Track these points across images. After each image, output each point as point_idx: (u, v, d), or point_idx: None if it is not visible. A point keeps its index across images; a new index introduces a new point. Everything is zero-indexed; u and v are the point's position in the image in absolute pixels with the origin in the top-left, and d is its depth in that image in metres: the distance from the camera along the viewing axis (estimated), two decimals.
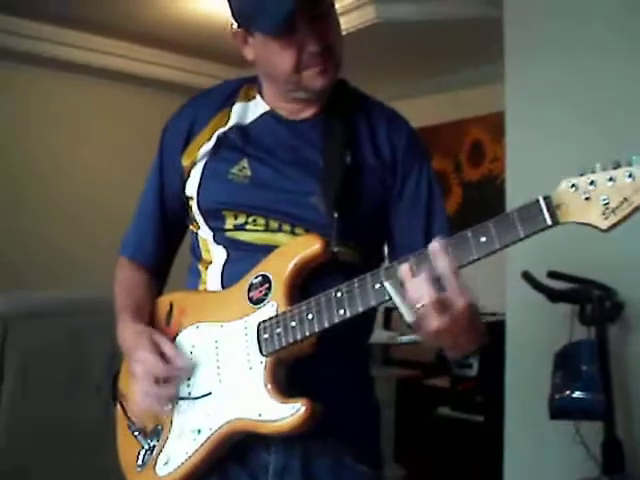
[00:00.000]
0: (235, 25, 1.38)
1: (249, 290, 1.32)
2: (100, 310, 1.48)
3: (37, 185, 4.84)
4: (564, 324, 2.63)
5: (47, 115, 4.96)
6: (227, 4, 1.37)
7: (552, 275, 2.62)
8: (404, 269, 1.12)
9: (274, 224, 1.36)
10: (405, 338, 3.85)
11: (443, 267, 1.09)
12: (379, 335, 3.91)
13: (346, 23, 4.05)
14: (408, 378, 4.27)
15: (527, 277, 2.69)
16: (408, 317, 1.10)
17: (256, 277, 1.32)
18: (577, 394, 2.44)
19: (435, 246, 1.10)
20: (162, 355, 1.33)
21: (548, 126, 3.04)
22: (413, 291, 1.10)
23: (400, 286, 1.12)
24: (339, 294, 1.20)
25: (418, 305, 1.09)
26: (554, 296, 2.67)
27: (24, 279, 4.30)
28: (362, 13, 4.18)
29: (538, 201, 1.05)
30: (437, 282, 1.09)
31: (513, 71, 3.21)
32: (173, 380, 1.33)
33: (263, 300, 1.30)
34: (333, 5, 1.39)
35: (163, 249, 1.56)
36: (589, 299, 2.59)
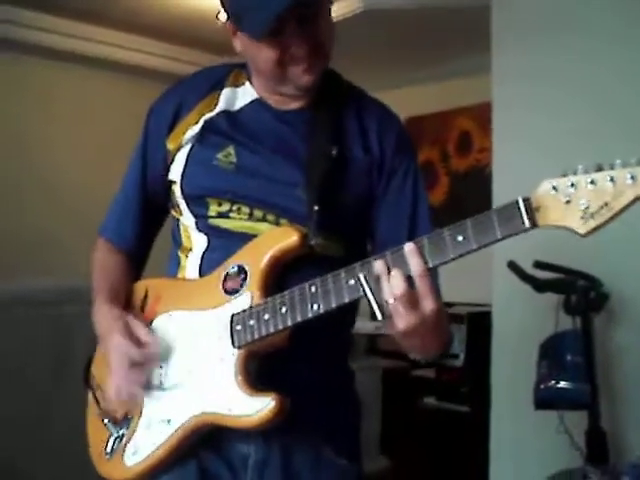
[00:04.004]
0: (226, 17, 1.36)
1: (225, 280, 1.30)
2: (87, 299, 1.47)
3: (33, 176, 4.81)
4: (550, 314, 2.64)
5: (42, 105, 4.93)
6: None
7: (538, 265, 2.62)
8: (380, 264, 1.12)
9: (258, 213, 1.35)
10: None
11: (414, 268, 1.09)
12: (365, 326, 3.92)
13: (333, 12, 4.01)
14: (394, 369, 4.27)
15: (513, 267, 2.69)
16: (378, 313, 1.11)
17: (232, 267, 1.30)
18: (562, 384, 2.45)
19: (409, 247, 1.10)
20: (137, 340, 1.32)
21: (534, 116, 3.04)
22: (386, 286, 1.10)
23: (374, 282, 1.12)
24: (313, 289, 1.19)
25: (390, 301, 1.09)
26: (540, 286, 2.68)
27: (19, 270, 4.27)
28: (348, 2, 4.16)
29: (517, 203, 1.02)
30: (410, 281, 1.10)
31: (500, 61, 3.21)
32: (147, 365, 1.32)
33: (238, 291, 1.28)
34: (329, 2, 1.37)
35: (143, 233, 1.54)
36: (574, 289, 2.59)
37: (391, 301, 1.09)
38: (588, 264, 2.62)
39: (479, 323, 3.91)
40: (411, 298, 1.09)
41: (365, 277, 1.12)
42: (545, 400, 2.51)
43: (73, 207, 4.78)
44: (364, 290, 1.12)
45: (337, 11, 4.08)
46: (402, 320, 1.10)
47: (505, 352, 3.12)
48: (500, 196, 3.08)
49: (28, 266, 4.34)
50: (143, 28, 4.96)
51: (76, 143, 5.04)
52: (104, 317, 1.39)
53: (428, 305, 1.10)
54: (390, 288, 1.09)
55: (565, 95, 2.93)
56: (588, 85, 2.85)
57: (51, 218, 4.74)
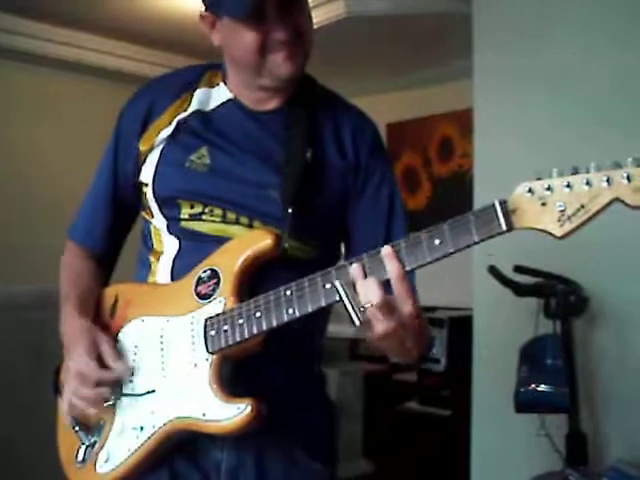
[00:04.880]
0: (204, 8, 1.34)
1: (197, 284, 1.28)
2: None
3: (16, 177, 4.80)
4: (530, 318, 2.66)
5: (27, 109, 4.91)
6: None
7: (518, 270, 2.64)
8: (356, 268, 1.10)
9: (231, 215, 1.32)
10: None
11: (392, 271, 1.08)
12: (346, 330, 3.92)
13: (316, 17, 4.00)
14: (376, 373, 4.28)
15: (493, 272, 2.71)
16: (355, 319, 1.08)
17: (204, 271, 1.28)
18: (542, 387, 2.47)
19: (387, 250, 1.09)
20: (100, 361, 1.28)
21: (516, 122, 3.06)
22: (362, 292, 1.08)
23: (351, 287, 1.10)
24: (288, 293, 1.17)
25: (367, 306, 1.07)
26: (520, 291, 2.69)
27: (7, 274, 4.25)
28: (332, 7, 4.17)
29: (494, 205, 1.02)
30: (387, 285, 1.08)
31: (481, 67, 3.23)
32: (106, 384, 1.28)
33: (211, 295, 1.26)
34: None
35: (113, 236, 1.51)
36: (554, 293, 2.61)
37: (368, 307, 1.07)
38: (568, 268, 2.64)
39: (460, 327, 3.92)
40: (388, 303, 1.07)
41: (341, 283, 1.10)
42: (525, 403, 2.52)
43: (55, 212, 4.75)
44: (340, 296, 1.10)
45: (320, 17, 4.09)
46: (380, 325, 1.08)
47: (486, 356, 3.14)
48: (482, 200, 3.09)
49: (7, 270, 4.31)
50: (124, 33, 4.94)
51: (59, 148, 5.02)
52: (71, 327, 1.35)
53: (406, 309, 1.09)
54: (366, 294, 1.08)
55: (546, 97, 2.96)
56: (570, 87, 2.88)
57: (32, 223, 4.72)
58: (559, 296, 2.59)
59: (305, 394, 1.39)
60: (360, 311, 1.08)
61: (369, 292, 1.07)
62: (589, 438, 2.52)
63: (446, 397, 4.17)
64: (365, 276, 1.09)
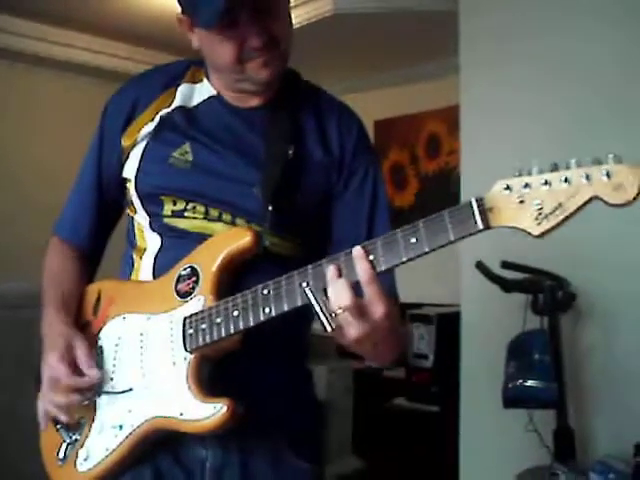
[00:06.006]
0: (180, 11, 1.33)
1: (177, 282, 1.27)
2: None
3: (6, 177, 4.77)
4: (517, 314, 2.66)
5: (18, 108, 4.90)
6: None
7: (505, 265, 2.64)
8: (331, 270, 1.08)
9: (214, 212, 1.32)
10: None
11: (361, 273, 1.06)
12: None
13: (302, 14, 4.03)
14: (365, 370, 4.28)
15: (481, 267, 2.71)
16: (327, 325, 1.05)
17: (184, 269, 1.27)
18: (530, 383, 2.47)
19: (357, 251, 1.07)
20: (75, 366, 1.27)
21: (502, 119, 3.07)
22: (333, 295, 1.06)
23: (322, 291, 1.08)
24: (265, 291, 1.16)
25: (338, 311, 1.05)
26: (507, 286, 2.70)
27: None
28: (318, 4, 4.17)
29: (470, 203, 1.00)
30: (359, 287, 1.06)
31: (468, 64, 3.24)
32: (78, 390, 1.27)
33: (190, 294, 1.25)
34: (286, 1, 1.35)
35: (98, 232, 1.50)
36: (542, 289, 2.62)
37: (339, 311, 1.05)
38: (555, 264, 2.65)
39: (448, 324, 3.93)
40: (359, 306, 1.05)
41: (310, 289, 1.08)
42: (513, 399, 2.53)
43: (47, 211, 4.74)
44: (310, 301, 1.08)
45: (307, 14, 4.09)
46: (352, 329, 1.07)
47: (474, 352, 3.15)
48: (469, 197, 3.10)
49: (2, 270, 4.29)
50: (115, 32, 4.93)
51: (57, 149, 4.99)
52: (50, 330, 1.35)
53: (378, 312, 1.06)
54: (337, 298, 1.05)
55: (533, 97, 2.96)
56: (557, 87, 2.89)
57: (25, 222, 4.68)
58: (546, 292, 2.60)
59: (292, 392, 1.39)
60: (331, 316, 1.05)
61: (339, 295, 1.05)
62: (577, 433, 2.53)
63: (435, 393, 4.18)
64: (340, 276, 1.07)
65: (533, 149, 2.82)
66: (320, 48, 4.31)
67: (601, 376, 2.72)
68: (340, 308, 1.05)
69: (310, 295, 1.08)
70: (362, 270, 1.06)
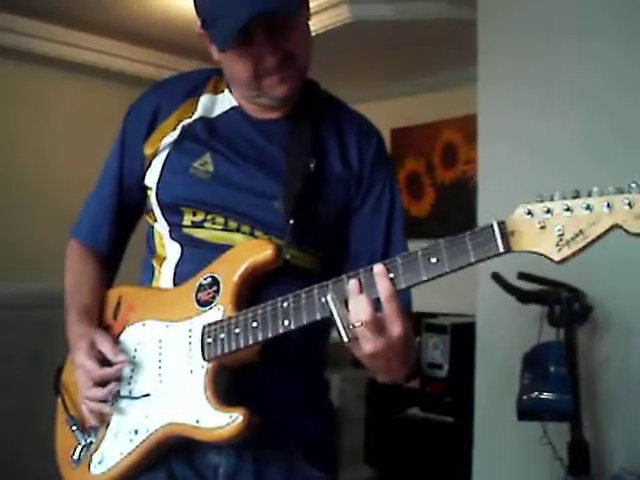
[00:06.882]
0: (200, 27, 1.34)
1: (198, 291, 1.28)
2: None
3: (18, 176, 4.80)
4: (533, 325, 2.65)
5: (29, 108, 4.91)
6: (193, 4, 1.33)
7: (522, 277, 2.63)
8: (353, 284, 1.10)
9: (233, 224, 1.33)
10: None
11: (382, 291, 1.08)
12: None
13: (319, 22, 4.04)
14: None
15: (497, 278, 2.70)
16: (344, 336, 1.08)
17: (205, 278, 1.28)
18: (545, 395, 2.46)
19: (378, 268, 1.09)
20: (101, 359, 1.30)
21: (520, 129, 3.06)
22: (353, 309, 1.08)
23: (343, 303, 1.10)
24: (285, 304, 1.17)
25: (357, 324, 1.08)
26: (524, 297, 2.69)
27: (7, 273, 4.26)
28: (336, 12, 4.18)
29: (492, 226, 1.01)
30: (378, 303, 1.08)
31: (486, 73, 3.23)
32: (111, 379, 1.29)
33: (210, 303, 1.26)
34: (306, 9, 1.35)
35: (118, 236, 1.52)
36: (558, 301, 2.61)
37: (357, 325, 1.08)
38: (572, 276, 2.63)
39: (463, 334, 3.91)
40: (378, 322, 1.08)
41: (333, 298, 1.10)
42: (528, 411, 2.51)
43: (65, 214, 4.77)
44: (331, 311, 1.10)
45: (324, 21, 4.10)
46: (369, 344, 1.09)
47: (489, 363, 3.13)
48: (485, 207, 3.10)
49: (10, 270, 4.32)
50: (129, 35, 4.96)
51: (68, 150, 5.04)
52: (72, 334, 1.37)
53: (395, 330, 1.09)
54: (357, 312, 1.08)
55: (551, 103, 2.95)
56: (575, 92, 2.87)
57: (43, 225, 4.71)
58: (563, 304, 2.59)
59: (309, 402, 1.39)
60: (349, 328, 1.08)
61: (360, 310, 1.08)
62: (591, 446, 2.51)
63: (448, 404, 4.15)
64: (361, 292, 1.09)
65: (551, 159, 2.81)
66: (337, 56, 4.32)
67: (616, 389, 2.70)
68: (359, 322, 1.07)
69: (331, 305, 1.10)
70: (383, 288, 1.08)
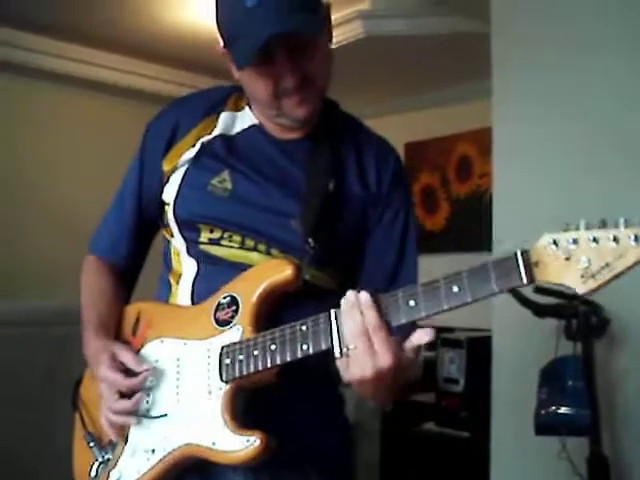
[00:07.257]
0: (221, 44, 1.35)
1: (216, 310, 1.28)
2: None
3: (27, 193, 4.81)
4: (550, 339, 2.63)
5: (38, 124, 4.94)
6: (215, 22, 1.34)
7: (539, 290, 2.61)
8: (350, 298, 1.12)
9: (250, 242, 1.33)
10: None
11: (369, 321, 1.08)
12: None
13: (333, 37, 4.04)
14: None
15: (513, 292, 2.68)
16: (337, 351, 1.10)
17: (224, 297, 1.28)
18: (563, 410, 2.43)
19: (364, 297, 1.09)
20: (124, 370, 1.30)
21: (535, 143, 3.05)
22: (349, 323, 1.09)
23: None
24: (304, 328, 1.16)
25: (350, 346, 1.08)
26: (540, 311, 2.67)
27: (16, 288, 4.28)
28: (350, 27, 4.19)
29: (516, 256, 0.99)
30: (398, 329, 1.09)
31: (500, 87, 3.22)
32: (137, 389, 1.29)
33: (229, 323, 1.26)
34: (328, 29, 1.35)
35: (137, 252, 1.52)
36: (575, 314, 2.58)
37: (351, 346, 1.08)
38: None
39: (479, 348, 3.89)
40: (370, 345, 1.08)
41: (336, 314, 1.12)
42: (546, 426, 2.49)
43: (74, 231, 4.79)
44: (331, 325, 1.11)
45: (338, 36, 4.12)
46: (358, 370, 1.09)
47: (505, 377, 3.11)
48: (501, 221, 3.09)
49: (16, 285, 4.34)
50: (139, 51, 4.98)
51: (77, 167, 5.05)
52: (91, 349, 1.37)
53: (385, 360, 1.08)
54: (352, 325, 1.08)
55: (566, 117, 2.93)
56: (589, 106, 2.85)
57: (52, 241, 4.74)
58: (580, 317, 2.57)
59: (324, 417, 1.39)
60: (344, 348, 1.09)
61: (357, 334, 1.08)
62: (611, 461, 2.48)
63: (465, 419, 4.12)
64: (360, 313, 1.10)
65: (568, 170, 2.80)
66: (351, 71, 4.32)
67: (635, 402, 2.67)
68: (353, 344, 1.08)
69: (333, 319, 1.11)
70: (369, 317, 1.08)
